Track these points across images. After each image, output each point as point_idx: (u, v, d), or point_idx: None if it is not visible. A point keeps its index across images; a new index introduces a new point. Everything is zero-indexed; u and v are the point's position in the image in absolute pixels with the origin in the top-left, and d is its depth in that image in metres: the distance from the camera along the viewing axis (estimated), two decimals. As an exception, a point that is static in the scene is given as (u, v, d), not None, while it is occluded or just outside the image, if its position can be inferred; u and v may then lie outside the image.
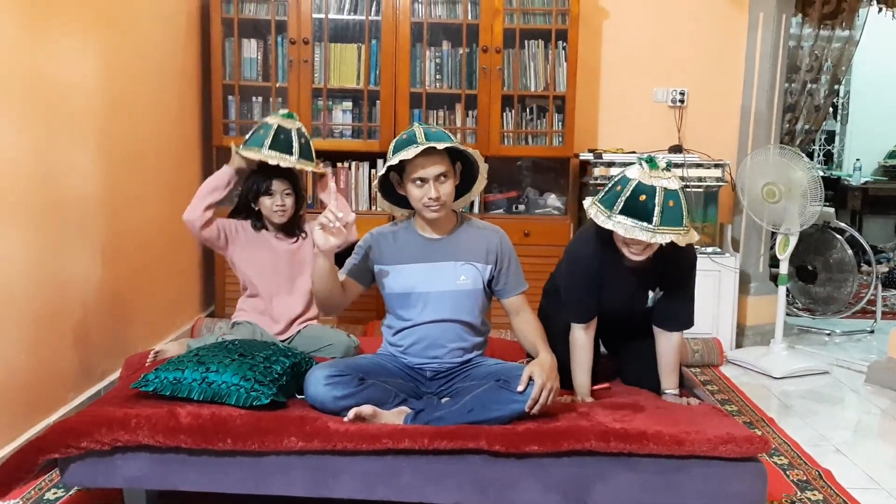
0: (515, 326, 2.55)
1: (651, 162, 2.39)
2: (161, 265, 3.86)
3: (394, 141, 2.44)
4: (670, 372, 2.62)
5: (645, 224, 2.33)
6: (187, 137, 4.22)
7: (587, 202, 2.50)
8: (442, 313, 2.46)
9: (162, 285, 3.88)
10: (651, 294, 2.61)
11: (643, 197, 2.34)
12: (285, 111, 3.02)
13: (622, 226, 2.35)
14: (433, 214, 2.42)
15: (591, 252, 2.58)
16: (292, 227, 3.06)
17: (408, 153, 2.32)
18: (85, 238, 3.11)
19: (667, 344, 2.62)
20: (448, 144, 2.37)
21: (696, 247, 2.67)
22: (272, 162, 2.86)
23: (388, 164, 2.38)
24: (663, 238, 2.34)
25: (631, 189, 2.36)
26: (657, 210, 2.32)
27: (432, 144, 2.33)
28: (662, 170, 2.39)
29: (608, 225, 2.38)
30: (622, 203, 2.36)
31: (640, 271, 2.56)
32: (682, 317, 2.62)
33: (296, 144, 2.91)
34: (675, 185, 2.38)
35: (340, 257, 2.85)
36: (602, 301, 2.61)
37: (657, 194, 2.33)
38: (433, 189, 2.36)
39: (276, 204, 2.95)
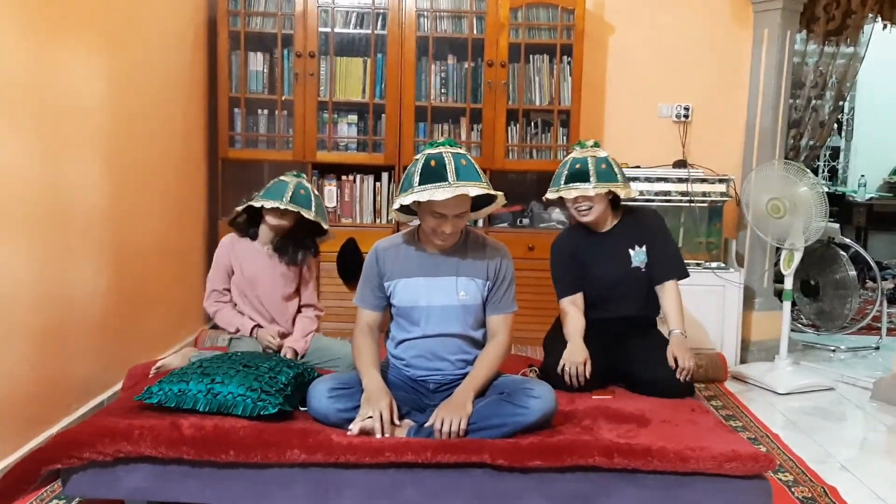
0: (483, 349, 2.51)
1: (581, 143, 3.01)
2: (164, 277, 3.86)
3: (420, 164, 2.37)
4: (675, 316, 2.95)
5: (583, 184, 2.86)
6: (193, 150, 4.23)
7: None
8: (443, 327, 2.46)
9: (165, 297, 3.88)
10: (632, 252, 2.99)
11: (578, 166, 2.91)
12: (296, 172, 3.07)
13: (565, 189, 2.90)
14: (440, 243, 2.44)
15: (565, 237, 3.10)
16: (287, 248, 3.04)
17: (437, 193, 2.27)
18: (89, 250, 3.12)
19: (668, 296, 2.99)
20: (480, 191, 2.33)
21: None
22: (293, 209, 2.89)
23: (415, 196, 2.31)
24: (602, 189, 2.85)
25: (568, 164, 2.95)
26: (591, 171, 2.87)
27: (465, 191, 2.29)
28: (591, 147, 2.98)
29: (556, 195, 2.95)
30: (564, 176, 2.93)
31: (613, 237, 3.01)
32: (671, 267, 3.01)
33: (314, 202, 2.96)
34: (603, 153, 2.94)
35: (346, 264, 2.89)
36: (595, 273, 2.99)
37: (589, 162, 2.89)
38: (449, 225, 2.36)
39: (279, 220, 2.96)
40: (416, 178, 2.34)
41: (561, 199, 2.96)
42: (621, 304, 3.02)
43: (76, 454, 2.16)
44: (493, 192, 2.39)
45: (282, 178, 3.00)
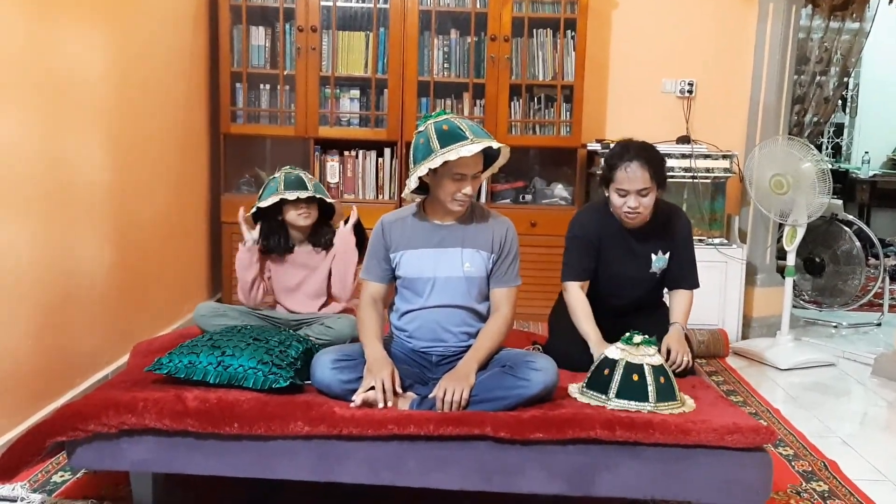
0: (486, 324, 2.51)
1: None
2: (168, 251, 3.87)
3: (433, 130, 2.36)
4: (681, 313, 2.86)
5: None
6: (195, 124, 4.22)
7: None
8: (447, 299, 2.46)
9: (169, 271, 3.89)
10: (654, 257, 2.84)
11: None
12: (287, 167, 3.02)
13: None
14: (459, 209, 2.43)
15: (591, 218, 2.86)
16: (319, 238, 3.03)
17: (463, 150, 2.29)
18: (92, 225, 3.12)
19: (679, 300, 2.90)
20: (497, 145, 2.38)
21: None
22: (291, 197, 2.86)
23: (443, 157, 2.29)
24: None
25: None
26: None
27: (489, 144, 2.34)
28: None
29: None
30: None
31: (639, 237, 2.82)
32: (690, 277, 2.92)
33: (308, 183, 2.92)
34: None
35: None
36: (612, 270, 2.83)
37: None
38: (470, 186, 2.38)
39: (299, 209, 2.91)
40: (436, 143, 2.33)
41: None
42: (629, 295, 2.93)
43: (81, 426, 2.16)
44: (499, 144, 2.41)
45: (273, 175, 2.96)
